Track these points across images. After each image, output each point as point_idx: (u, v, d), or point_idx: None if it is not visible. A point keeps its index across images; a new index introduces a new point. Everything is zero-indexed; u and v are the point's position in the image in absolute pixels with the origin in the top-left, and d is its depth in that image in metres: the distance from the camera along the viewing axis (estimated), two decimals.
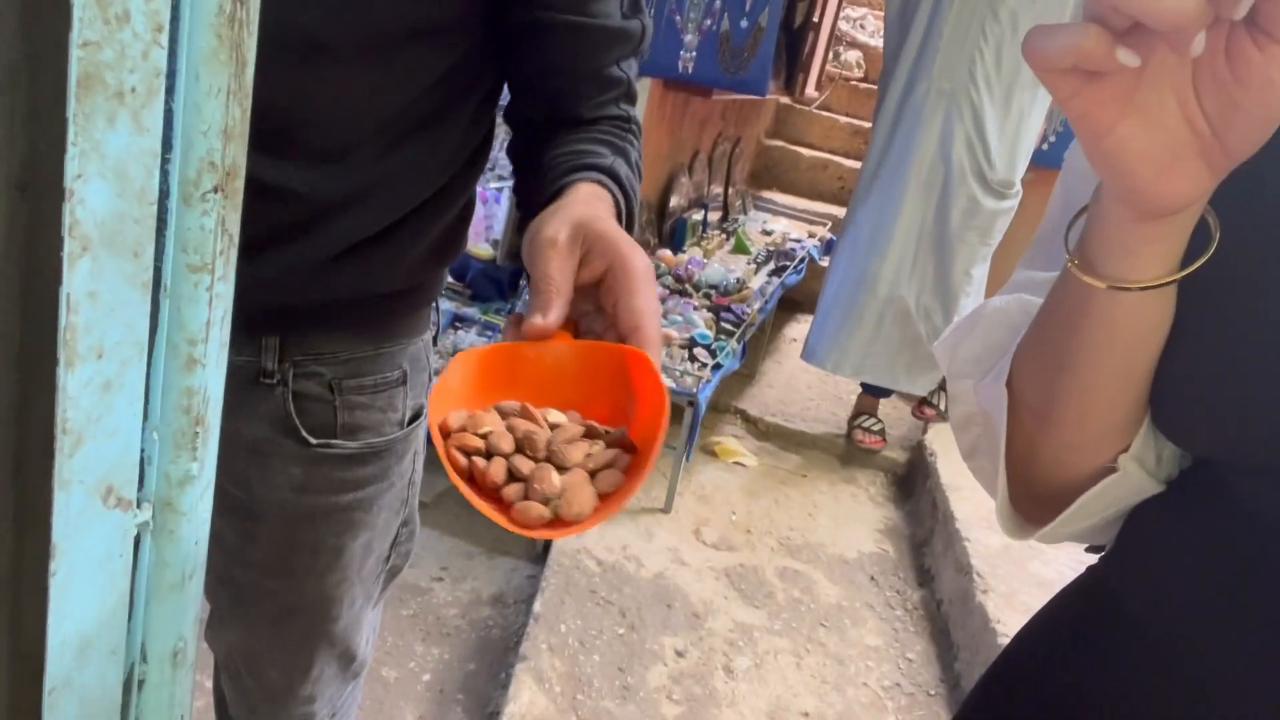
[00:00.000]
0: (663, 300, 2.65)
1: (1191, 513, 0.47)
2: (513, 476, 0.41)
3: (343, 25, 0.62)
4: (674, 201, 3.24)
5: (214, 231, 0.34)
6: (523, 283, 2.51)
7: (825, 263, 3.47)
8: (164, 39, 0.29)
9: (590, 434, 0.44)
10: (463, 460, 0.42)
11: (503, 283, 2.54)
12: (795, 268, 3.33)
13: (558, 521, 0.39)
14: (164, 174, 0.32)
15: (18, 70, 0.28)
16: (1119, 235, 0.40)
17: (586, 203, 0.58)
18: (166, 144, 0.32)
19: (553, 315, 0.48)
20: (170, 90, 0.31)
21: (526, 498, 0.40)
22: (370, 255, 0.71)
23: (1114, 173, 0.38)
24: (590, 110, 0.72)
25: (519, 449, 0.42)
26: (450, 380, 0.47)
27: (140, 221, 0.31)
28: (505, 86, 0.76)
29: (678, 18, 2.46)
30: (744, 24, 2.45)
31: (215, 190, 0.33)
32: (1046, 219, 0.56)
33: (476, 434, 0.43)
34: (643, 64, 0.78)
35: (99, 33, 0.27)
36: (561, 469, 0.41)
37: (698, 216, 3.38)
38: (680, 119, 3.18)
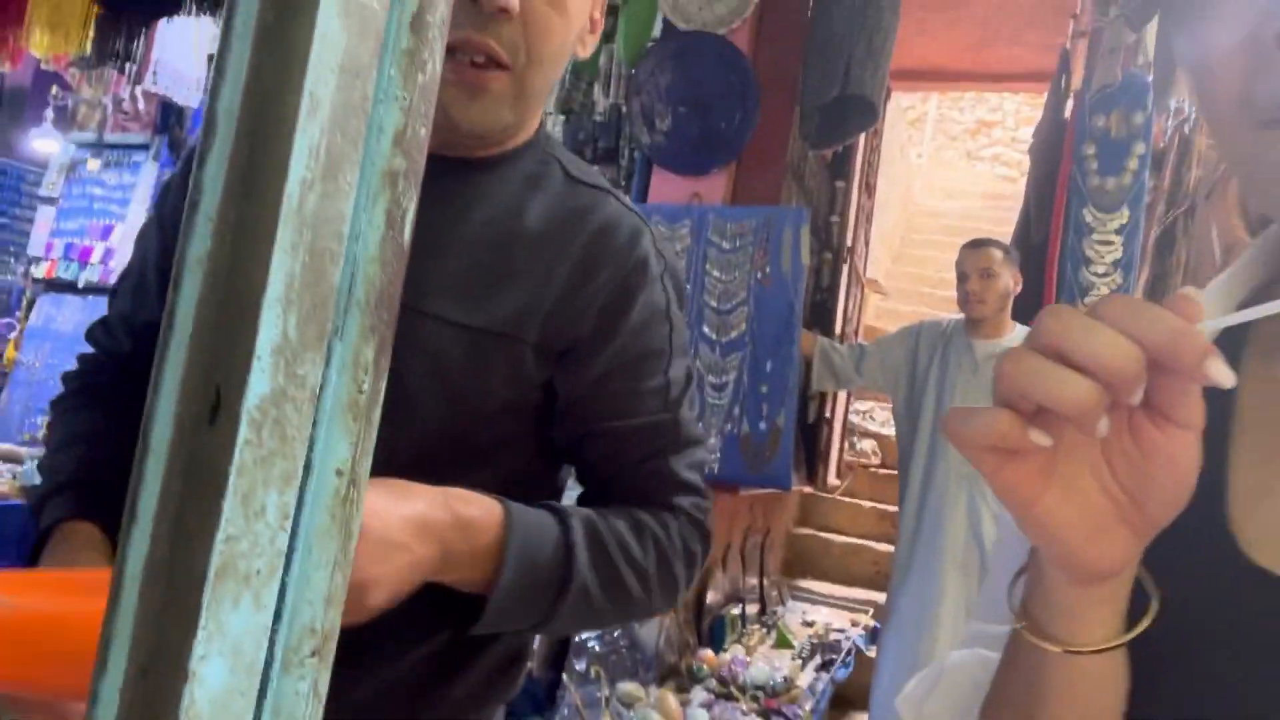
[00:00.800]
0: (708, 706, 2.50)
1: None
2: None
3: (389, 454, 0.68)
4: (710, 598, 3.20)
5: (307, 695, 0.35)
6: (560, 692, 2.40)
7: (873, 652, 3.32)
8: (289, 524, 0.33)
9: None
10: None
11: (539, 695, 2.43)
12: (843, 660, 3.18)
13: None
14: (270, 643, 0.34)
15: (160, 565, 0.32)
16: (1059, 598, 0.41)
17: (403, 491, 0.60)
18: (276, 615, 0.34)
19: None
20: (286, 567, 0.34)
21: None
22: (418, 688, 0.70)
23: (1045, 540, 0.40)
24: (637, 501, 0.75)
25: None
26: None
27: (245, 693, 0.32)
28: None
29: (700, 425, 2.64)
30: (762, 426, 2.62)
31: (312, 654, 0.35)
32: (991, 574, 0.57)
33: None
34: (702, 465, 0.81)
35: (239, 528, 0.31)
36: None
37: (735, 611, 3.31)
38: None
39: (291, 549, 0.35)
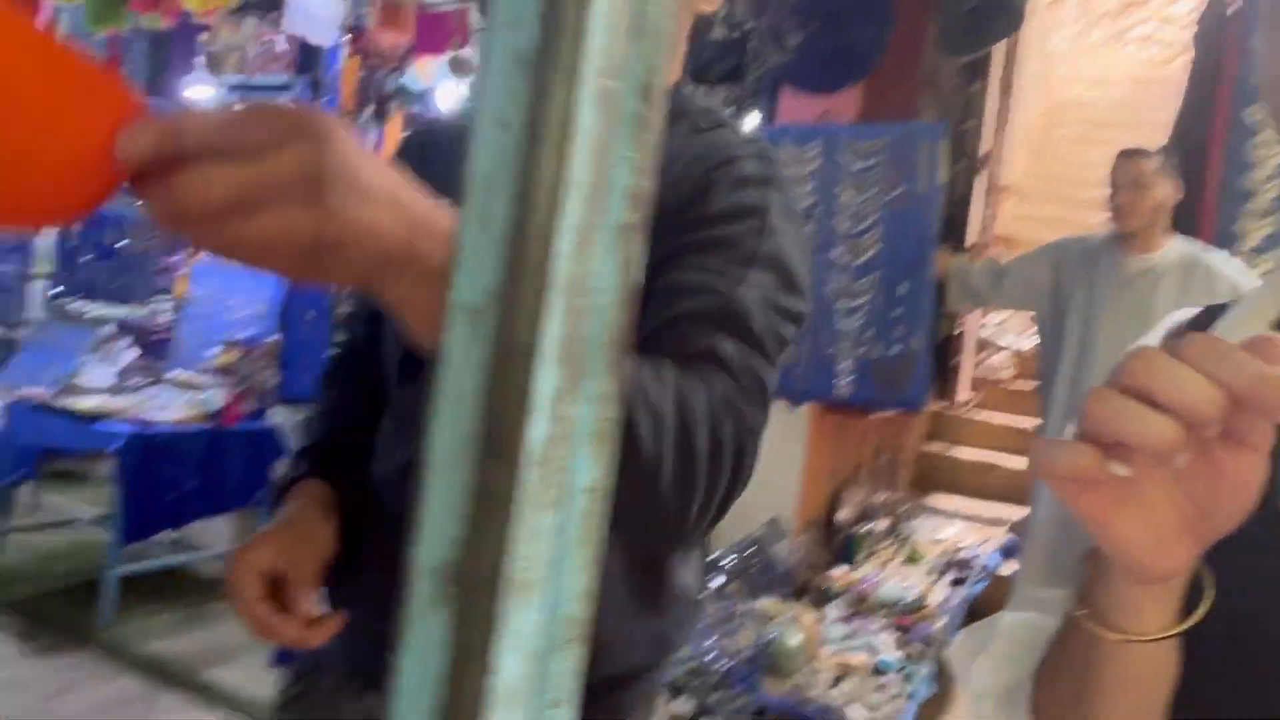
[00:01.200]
0: (845, 621, 2.58)
1: None
2: None
3: None
4: (841, 515, 3.25)
5: (571, 673, 0.41)
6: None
7: (1007, 569, 3.31)
8: (555, 537, 0.38)
9: None
10: None
11: None
12: (976, 577, 3.19)
13: None
14: (545, 636, 0.41)
15: (461, 577, 0.38)
16: (1120, 593, 0.45)
17: None
18: (549, 612, 0.41)
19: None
20: (555, 573, 0.40)
21: None
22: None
23: (1115, 552, 0.43)
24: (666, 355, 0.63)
25: None
26: None
27: (530, 678, 0.39)
28: None
29: (830, 349, 2.64)
30: (895, 349, 2.60)
31: (573, 640, 0.41)
32: (1035, 533, 0.59)
33: None
34: (784, 381, 0.72)
35: (524, 548, 0.36)
36: None
37: (866, 528, 3.35)
38: (839, 436, 3.28)
39: (557, 558, 0.41)
